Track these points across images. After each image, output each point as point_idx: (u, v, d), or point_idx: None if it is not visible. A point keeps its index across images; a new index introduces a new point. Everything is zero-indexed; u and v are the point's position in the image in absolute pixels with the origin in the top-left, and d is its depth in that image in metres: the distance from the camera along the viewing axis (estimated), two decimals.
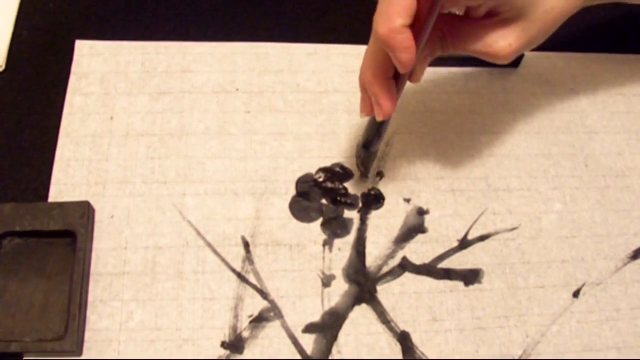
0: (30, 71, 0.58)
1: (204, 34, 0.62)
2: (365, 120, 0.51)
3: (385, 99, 0.45)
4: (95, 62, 0.59)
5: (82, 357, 0.48)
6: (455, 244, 0.55)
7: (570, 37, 0.64)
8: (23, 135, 0.55)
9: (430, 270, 0.53)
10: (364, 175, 0.56)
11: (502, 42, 0.45)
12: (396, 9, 0.40)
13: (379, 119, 0.47)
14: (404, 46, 0.40)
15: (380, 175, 0.57)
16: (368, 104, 0.48)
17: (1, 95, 0.57)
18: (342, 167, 0.56)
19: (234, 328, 0.50)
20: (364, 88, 0.47)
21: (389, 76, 0.45)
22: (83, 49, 0.60)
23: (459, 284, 0.53)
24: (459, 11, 0.46)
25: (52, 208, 0.51)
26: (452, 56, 0.59)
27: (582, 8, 0.48)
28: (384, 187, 0.56)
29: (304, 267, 0.53)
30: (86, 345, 0.48)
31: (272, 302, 0.51)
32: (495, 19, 0.45)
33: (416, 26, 0.40)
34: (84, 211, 0.51)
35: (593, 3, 0.50)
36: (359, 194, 0.56)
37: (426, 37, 0.42)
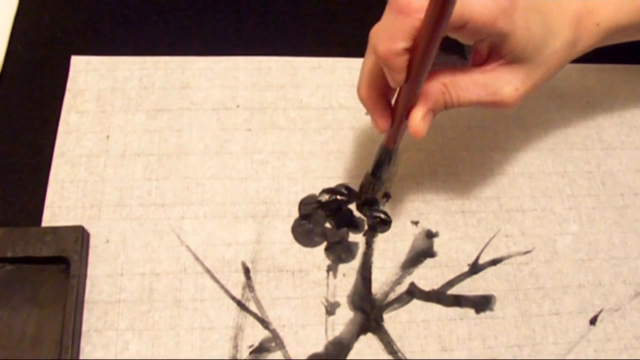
0: (25, 87, 0.56)
1: (203, 47, 0.60)
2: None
3: (378, 116, 0.45)
4: (92, 78, 0.57)
5: None
6: (466, 269, 0.52)
7: None
8: (16, 155, 0.54)
9: (439, 296, 0.51)
10: (361, 205, 0.54)
11: (508, 87, 0.44)
12: (401, 31, 0.38)
13: (377, 131, 0.46)
14: (401, 67, 0.40)
15: (387, 196, 0.54)
16: None
17: None
18: (347, 187, 0.54)
19: (234, 359, 0.48)
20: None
21: (383, 93, 0.45)
22: (79, 64, 0.58)
23: (470, 311, 0.51)
24: (463, 40, 0.44)
25: (45, 233, 0.49)
26: None
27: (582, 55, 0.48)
28: (391, 209, 0.54)
29: (306, 294, 0.50)
30: None
31: (273, 331, 0.49)
32: (498, 62, 0.43)
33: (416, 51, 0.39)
34: (78, 236, 0.49)
35: (596, 46, 0.48)
36: (365, 216, 0.53)
37: (429, 63, 0.40)
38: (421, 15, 0.38)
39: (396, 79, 0.40)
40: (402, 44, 0.38)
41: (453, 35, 0.42)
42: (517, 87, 0.44)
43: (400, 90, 0.43)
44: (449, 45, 0.56)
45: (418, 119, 0.43)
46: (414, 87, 0.41)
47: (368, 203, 0.53)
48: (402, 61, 0.39)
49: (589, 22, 0.46)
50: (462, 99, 0.43)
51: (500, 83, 0.43)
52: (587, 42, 0.47)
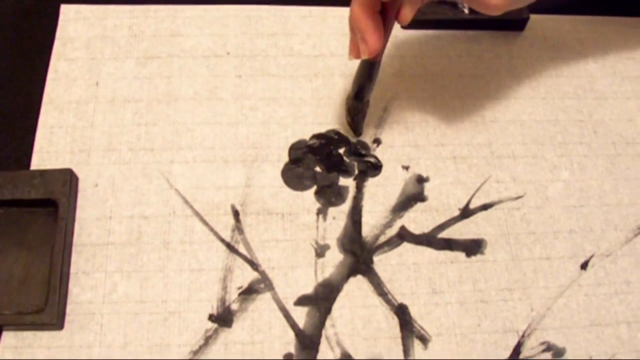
0: (14, 36, 0.57)
1: None
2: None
3: (371, 34, 0.45)
4: (81, 27, 0.57)
5: (64, 330, 0.46)
6: (457, 213, 0.52)
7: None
8: (5, 101, 0.54)
9: (429, 240, 0.51)
10: (356, 132, 0.54)
11: None
12: None
13: (364, 55, 0.47)
14: None
15: (377, 142, 0.54)
16: (357, 44, 0.47)
17: None
18: (337, 133, 0.54)
19: (222, 300, 0.48)
20: (352, 26, 0.47)
21: (376, 10, 0.45)
22: (68, 13, 0.58)
23: (460, 255, 0.51)
24: None
25: (33, 176, 0.49)
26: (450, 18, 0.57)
27: None
28: (382, 154, 0.54)
29: (296, 237, 0.50)
30: (67, 318, 0.46)
31: (262, 273, 0.49)
32: None
33: None
34: (66, 179, 0.49)
35: None
36: (355, 161, 0.53)
37: None
38: None
39: None
40: None
41: None
42: None
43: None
44: None
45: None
46: None
47: (358, 150, 0.54)
48: None
49: None
50: None
51: None
52: None
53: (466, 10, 0.59)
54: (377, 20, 0.45)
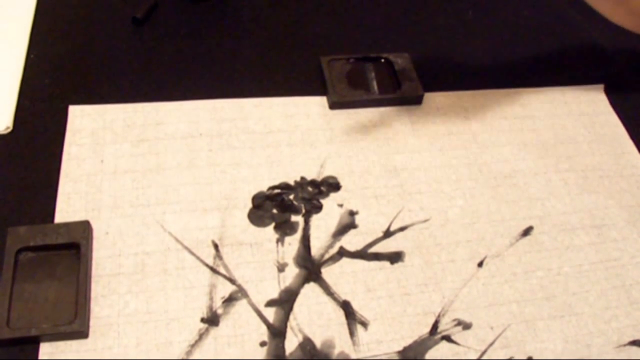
0: (33, 131, 0.72)
1: (172, 95, 0.78)
2: None
3: None
4: (86, 121, 0.74)
5: (89, 339, 0.59)
6: (381, 235, 0.69)
7: (461, 79, 0.82)
8: (32, 176, 0.69)
9: (362, 254, 0.67)
10: None
11: None
12: None
13: None
14: None
15: (318, 189, 0.71)
16: None
17: (12, 149, 0.71)
18: (287, 184, 0.71)
19: (210, 307, 0.62)
20: None
21: None
22: (75, 111, 0.74)
23: (386, 263, 0.67)
24: None
25: (59, 227, 0.64)
26: (365, 99, 0.75)
27: None
28: (322, 198, 0.71)
29: (262, 259, 0.66)
30: (91, 330, 0.60)
31: (239, 285, 0.64)
32: None
33: None
34: (85, 227, 0.64)
35: None
36: (302, 204, 0.70)
37: None
38: None
39: None
40: None
41: None
42: None
43: None
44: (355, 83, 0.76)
45: None
46: None
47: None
48: None
49: None
50: None
51: None
52: None
53: (377, 91, 0.78)
54: None
